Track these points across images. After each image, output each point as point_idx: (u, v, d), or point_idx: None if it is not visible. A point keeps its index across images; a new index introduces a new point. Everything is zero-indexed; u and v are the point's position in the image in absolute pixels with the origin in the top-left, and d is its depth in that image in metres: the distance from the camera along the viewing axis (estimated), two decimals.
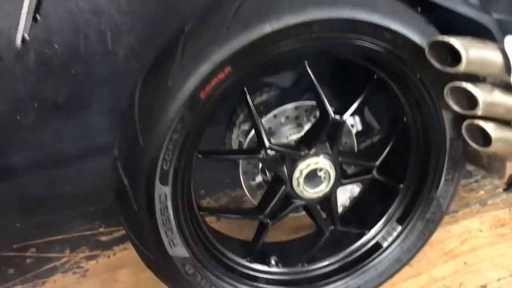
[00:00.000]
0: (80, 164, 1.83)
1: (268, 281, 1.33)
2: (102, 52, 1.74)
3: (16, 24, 1.04)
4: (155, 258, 1.17)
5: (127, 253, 1.61)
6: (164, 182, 1.09)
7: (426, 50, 1.06)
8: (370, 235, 1.39)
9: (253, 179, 1.33)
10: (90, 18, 1.68)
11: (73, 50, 1.71)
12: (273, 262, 1.35)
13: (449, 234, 1.61)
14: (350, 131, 1.33)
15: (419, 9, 1.14)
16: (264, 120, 1.25)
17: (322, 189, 1.24)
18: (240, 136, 1.39)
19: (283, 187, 1.23)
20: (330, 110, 1.18)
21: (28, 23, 1.04)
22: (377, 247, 1.38)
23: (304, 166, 1.21)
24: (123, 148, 1.10)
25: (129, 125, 1.07)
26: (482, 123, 1.11)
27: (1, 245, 1.67)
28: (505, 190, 1.37)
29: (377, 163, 1.30)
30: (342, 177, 1.27)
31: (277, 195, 1.24)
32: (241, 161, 1.30)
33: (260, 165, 1.31)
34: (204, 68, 1.02)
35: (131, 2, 1.70)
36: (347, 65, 1.28)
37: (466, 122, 1.14)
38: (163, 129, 1.04)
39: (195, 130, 1.08)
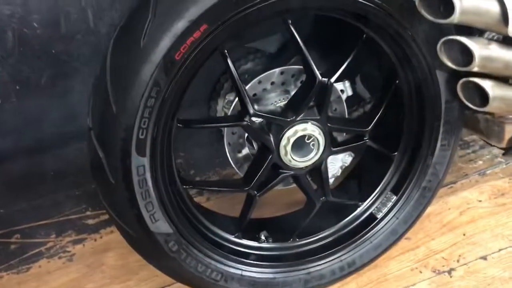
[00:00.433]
0: (64, 147, 1.77)
1: (258, 258, 1.28)
2: (84, 30, 1.68)
3: None
4: (136, 234, 1.11)
5: (114, 236, 1.57)
6: (141, 152, 1.03)
7: (417, 2, 1.00)
8: (364, 207, 1.34)
9: (239, 151, 1.28)
10: None
11: (53, 29, 1.65)
12: (263, 237, 1.31)
13: (447, 206, 1.57)
14: (340, 97, 1.28)
15: None
16: (248, 86, 1.19)
17: (311, 157, 1.19)
18: (225, 107, 1.34)
19: (270, 156, 1.18)
20: (317, 72, 1.13)
21: None
22: (371, 218, 1.33)
23: (291, 133, 1.16)
24: (96, 117, 1.04)
25: (101, 91, 1.00)
26: (478, 80, 1.06)
27: None
28: (504, 154, 1.32)
29: (369, 128, 1.25)
30: (332, 145, 1.22)
31: (264, 165, 1.19)
32: (225, 131, 1.24)
33: (246, 135, 1.25)
34: (178, 26, 0.95)
35: None
36: (334, 28, 1.23)
37: (461, 81, 1.09)
38: (136, 94, 0.98)
39: (173, 96, 1.02)
